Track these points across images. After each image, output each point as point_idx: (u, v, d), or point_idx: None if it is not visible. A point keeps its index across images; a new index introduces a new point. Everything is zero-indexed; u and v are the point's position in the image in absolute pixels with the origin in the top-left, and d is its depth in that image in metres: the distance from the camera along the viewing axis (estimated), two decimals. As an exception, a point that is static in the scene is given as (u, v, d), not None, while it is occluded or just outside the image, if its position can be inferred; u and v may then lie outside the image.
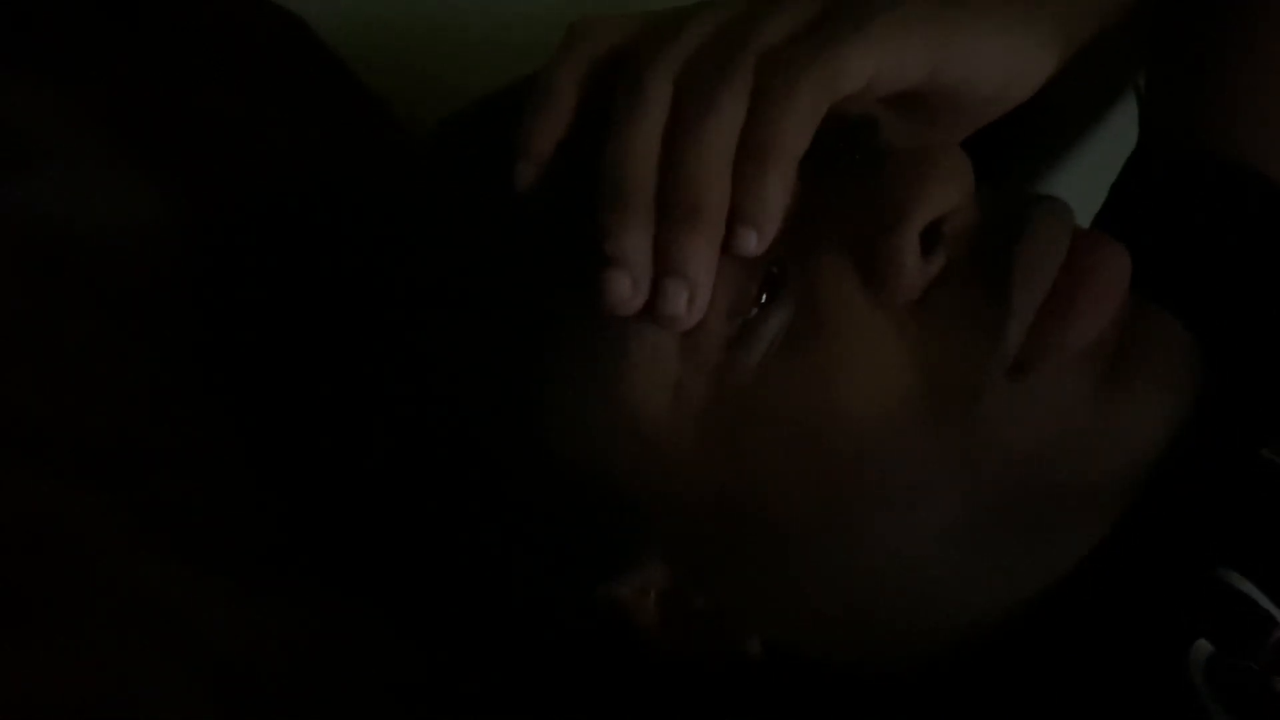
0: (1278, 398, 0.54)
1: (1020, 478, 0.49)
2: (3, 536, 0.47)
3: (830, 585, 0.51)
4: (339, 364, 0.53)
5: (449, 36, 0.74)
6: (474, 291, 0.50)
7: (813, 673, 0.53)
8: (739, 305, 0.48)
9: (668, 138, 0.46)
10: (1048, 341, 0.48)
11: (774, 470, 0.49)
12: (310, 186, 0.59)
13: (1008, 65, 0.50)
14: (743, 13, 0.47)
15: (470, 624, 0.55)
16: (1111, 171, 0.64)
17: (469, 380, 0.50)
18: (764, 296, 0.48)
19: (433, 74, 0.71)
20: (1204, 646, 0.49)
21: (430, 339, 0.51)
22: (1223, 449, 0.52)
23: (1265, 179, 0.60)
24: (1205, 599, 0.49)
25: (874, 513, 0.49)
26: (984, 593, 0.51)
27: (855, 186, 0.49)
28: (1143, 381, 0.50)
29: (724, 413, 0.48)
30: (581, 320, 0.48)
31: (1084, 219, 0.53)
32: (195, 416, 0.55)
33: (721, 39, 0.47)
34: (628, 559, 0.51)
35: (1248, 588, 0.49)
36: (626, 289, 0.46)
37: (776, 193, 0.46)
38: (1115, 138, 0.76)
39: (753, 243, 0.46)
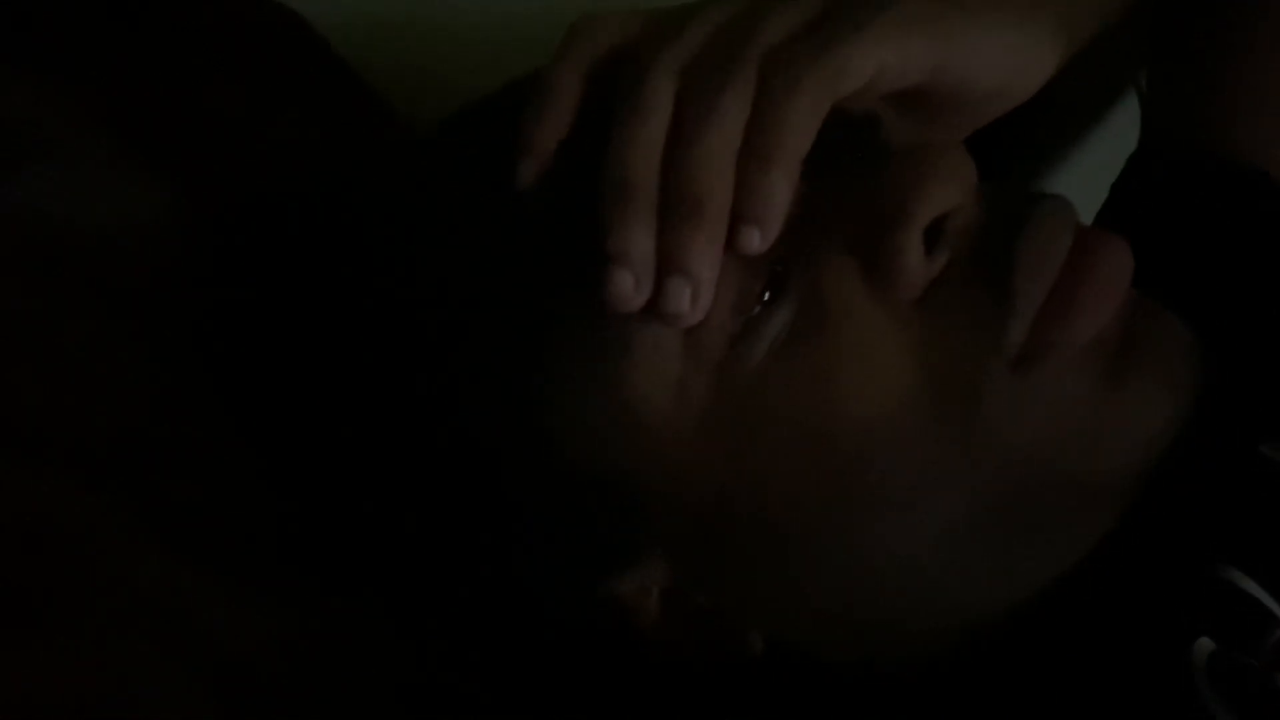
0: (1278, 395, 0.54)
1: (1021, 475, 0.49)
2: (2, 535, 0.47)
3: (831, 584, 0.51)
4: (340, 362, 0.53)
5: (449, 35, 0.74)
6: (476, 289, 0.50)
7: (814, 672, 0.53)
8: (742, 303, 0.48)
9: (670, 136, 0.46)
10: (1050, 338, 0.48)
11: (775, 468, 0.49)
12: (311, 185, 0.59)
13: (1009, 63, 0.50)
14: (745, 11, 0.47)
15: (471, 622, 0.55)
16: (1112, 170, 0.65)
17: (471, 378, 0.50)
18: (767, 295, 0.48)
19: (433, 72, 0.71)
20: (1205, 644, 0.49)
21: (432, 337, 0.51)
22: (1223, 447, 0.52)
23: (1267, 177, 0.60)
24: (1206, 597, 0.50)
25: (875, 511, 0.49)
26: (985, 591, 0.51)
27: (858, 185, 0.49)
28: (1144, 379, 0.50)
29: (726, 411, 0.48)
30: (584, 318, 0.48)
31: (1085, 218, 0.53)
32: (196, 415, 0.54)
33: (724, 37, 0.47)
34: (629, 557, 0.51)
35: (1249, 585, 0.49)
36: (629, 287, 0.46)
37: (780, 191, 0.46)
38: (1116, 137, 0.76)
39: (756, 241, 0.46)
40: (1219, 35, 0.62)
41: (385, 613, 0.55)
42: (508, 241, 0.50)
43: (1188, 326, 0.51)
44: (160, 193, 0.57)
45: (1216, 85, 0.62)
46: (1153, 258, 0.51)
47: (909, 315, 0.49)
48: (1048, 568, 0.51)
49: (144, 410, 0.53)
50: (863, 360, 0.48)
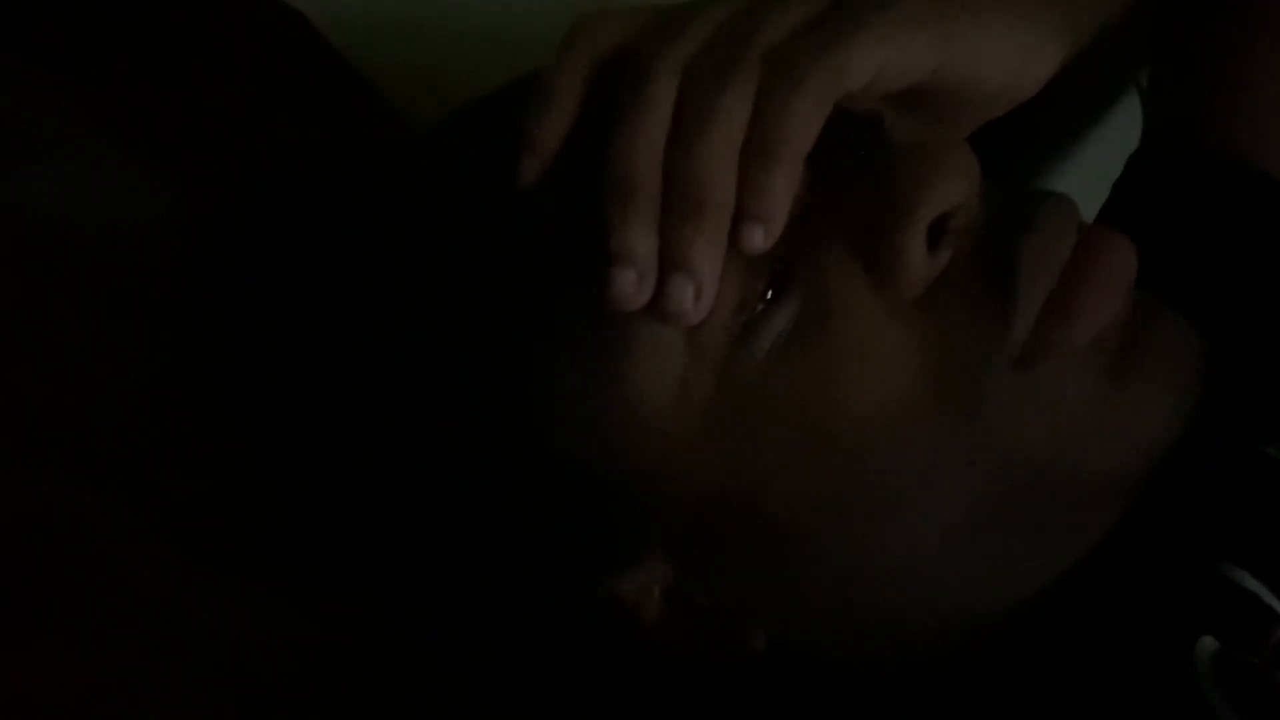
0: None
1: (1023, 474, 0.49)
2: (2, 534, 0.47)
3: (833, 583, 0.51)
4: (340, 360, 0.53)
5: (451, 33, 0.74)
6: (477, 288, 0.50)
7: (815, 671, 0.53)
8: (744, 302, 0.48)
9: (673, 134, 0.46)
10: (1053, 336, 0.48)
11: (778, 467, 0.49)
12: (312, 183, 0.59)
13: (1012, 62, 0.50)
14: (747, 8, 0.47)
15: (472, 622, 0.55)
16: (1114, 169, 0.64)
17: (473, 376, 0.50)
18: (769, 293, 0.48)
19: (435, 71, 0.71)
20: (1208, 643, 0.49)
21: (434, 335, 0.51)
22: (1226, 446, 0.52)
23: (1268, 176, 0.60)
24: (1209, 596, 0.50)
25: (877, 510, 0.49)
26: (986, 590, 0.51)
27: (861, 183, 0.49)
28: (1146, 378, 0.49)
29: (728, 409, 0.48)
30: (586, 317, 0.48)
31: (1087, 216, 0.53)
32: (196, 413, 0.54)
33: (726, 35, 0.47)
34: (630, 556, 0.51)
35: (1252, 584, 0.49)
36: (631, 285, 0.46)
37: (783, 189, 0.45)
38: (1118, 136, 0.76)
39: (759, 239, 0.46)
40: (1220, 35, 0.62)
41: (385, 612, 0.55)
42: (509, 240, 0.49)
43: (1190, 326, 0.51)
44: (161, 191, 0.57)
45: (1218, 84, 0.62)
46: (1154, 257, 0.51)
47: (911, 314, 0.49)
48: (1049, 567, 0.51)
49: (144, 408, 0.53)
50: (864, 359, 0.48)
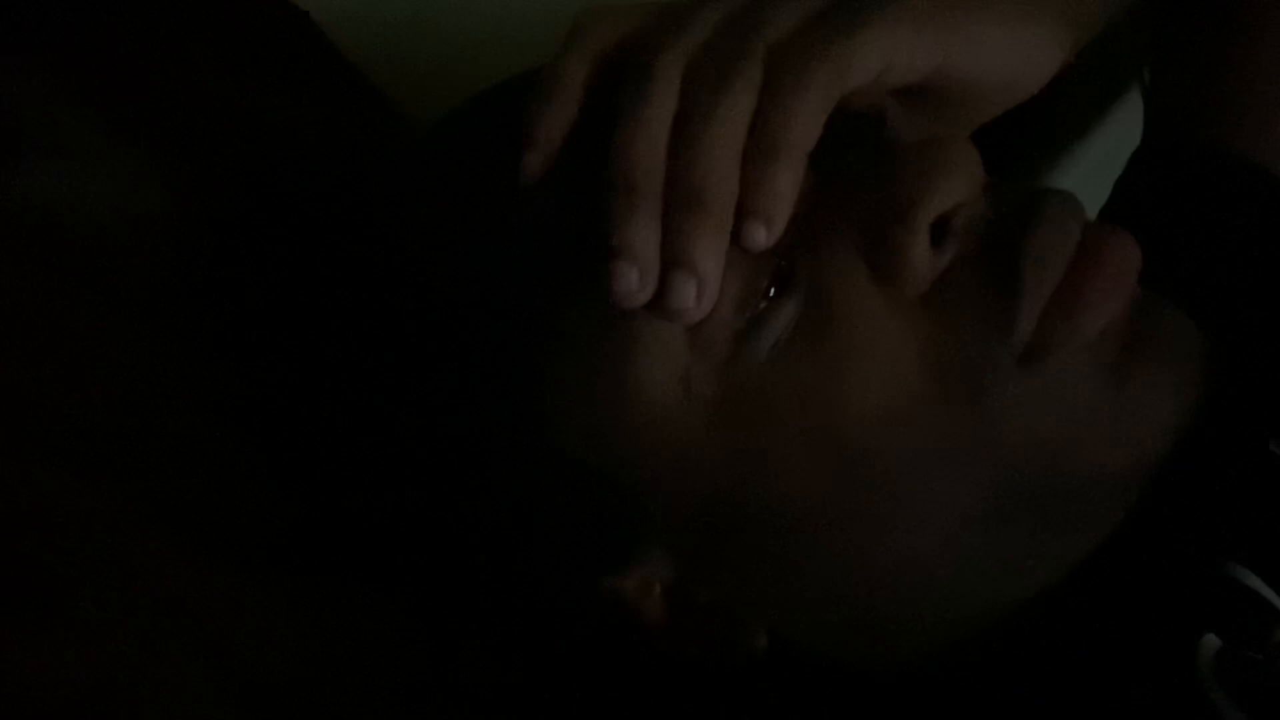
0: (1284, 392, 0.54)
1: (1028, 472, 0.49)
2: (6, 527, 0.47)
3: (836, 580, 0.51)
4: (343, 356, 0.53)
5: (452, 31, 0.74)
6: (480, 284, 0.50)
7: (817, 669, 0.53)
8: (747, 298, 0.48)
9: (676, 129, 0.45)
10: (1057, 333, 0.48)
11: (781, 465, 0.49)
12: (313, 179, 0.59)
13: (1016, 58, 0.50)
14: (751, 4, 0.47)
15: (474, 617, 0.55)
16: (1116, 167, 0.64)
17: (475, 373, 0.50)
18: (773, 289, 0.48)
19: (436, 69, 0.71)
20: (1212, 641, 0.48)
21: (435, 331, 0.50)
22: (1231, 443, 0.52)
23: (1270, 173, 0.60)
24: (1213, 594, 0.49)
25: (881, 508, 0.49)
26: (991, 587, 0.51)
27: (864, 180, 0.49)
28: (1150, 375, 0.49)
29: (732, 406, 0.48)
30: (588, 313, 0.48)
31: (1089, 214, 0.53)
32: (196, 407, 0.54)
33: (730, 30, 0.46)
34: (632, 552, 0.51)
35: (1256, 583, 0.49)
36: (634, 281, 0.45)
37: (786, 185, 0.45)
38: (1120, 133, 0.76)
39: (762, 236, 0.46)
40: (1222, 32, 0.62)
41: (387, 608, 0.55)
42: (512, 235, 0.49)
43: (1193, 323, 0.51)
44: (162, 186, 0.57)
45: (1220, 82, 0.62)
46: (1158, 254, 0.51)
47: (915, 311, 0.49)
48: (1053, 564, 0.51)
49: (143, 402, 0.53)
50: (868, 356, 0.48)
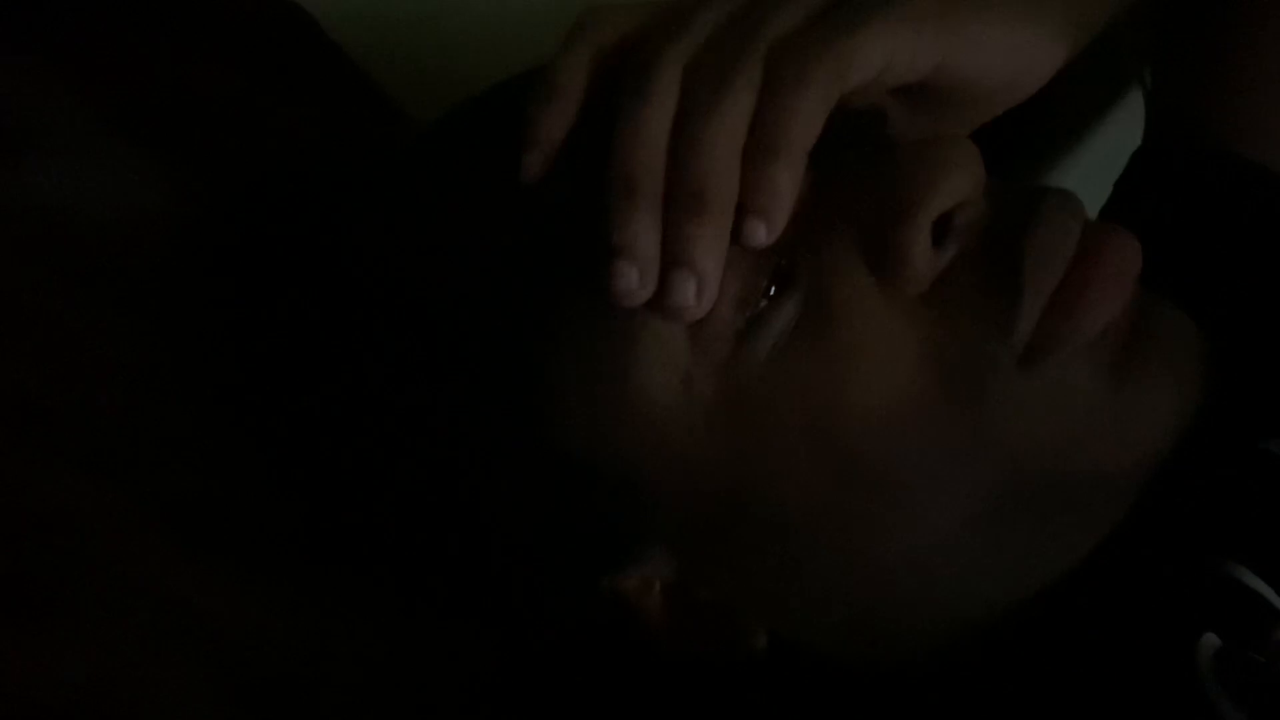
0: (1283, 392, 0.54)
1: (1028, 471, 0.49)
2: (4, 525, 0.47)
3: (836, 579, 0.51)
4: (341, 353, 0.53)
5: (453, 29, 0.74)
6: (480, 283, 0.50)
7: (817, 667, 0.53)
8: (748, 297, 0.48)
9: (676, 128, 0.45)
10: (1058, 331, 0.48)
11: (781, 463, 0.49)
12: (313, 176, 0.59)
13: (1017, 57, 0.50)
14: (752, 2, 0.47)
15: (475, 616, 0.55)
16: (1116, 167, 0.64)
17: (475, 371, 0.50)
18: (773, 289, 0.48)
19: (437, 67, 0.71)
20: (1211, 640, 0.48)
21: (436, 330, 0.50)
22: (1229, 443, 0.52)
23: (1271, 173, 0.60)
24: (1211, 593, 0.49)
25: (881, 507, 0.49)
26: (991, 586, 0.51)
27: (864, 179, 0.48)
28: (1151, 375, 0.49)
29: (732, 405, 0.48)
30: (589, 312, 0.48)
31: (1090, 213, 0.52)
32: (198, 405, 0.54)
33: (731, 29, 0.46)
34: (632, 551, 0.51)
35: (1254, 582, 0.49)
36: (634, 280, 0.45)
37: (786, 184, 0.45)
38: (1121, 132, 0.76)
39: (762, 234, 0.46)
40: (1223, 32, 0.62)
41: (387, 606, 0.55)
42: (511, 235, 0.49)
43: (1193, 323, 0.51)
44: (162, 184, 0.57)
45: (1221, 81, 0.62)
46: (1158, 254, 0.51)
47: (915, 310, 0.49)
48: (1053, 563, 0.51)
49: (144, 402, 0.53)
50: (870, 353, 0.48)
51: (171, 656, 0.49)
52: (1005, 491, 0.49)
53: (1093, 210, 0.62)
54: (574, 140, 0.47)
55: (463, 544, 0.53)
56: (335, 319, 0.53)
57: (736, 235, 0.46)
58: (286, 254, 0.56)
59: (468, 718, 0.56)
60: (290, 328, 0.55)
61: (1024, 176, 0.83)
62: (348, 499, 0.54)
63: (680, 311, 0.46)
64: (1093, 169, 0.79)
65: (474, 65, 0.58)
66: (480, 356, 0.50)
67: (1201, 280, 0.57)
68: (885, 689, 0.53)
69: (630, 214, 0.45)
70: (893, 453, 0.48)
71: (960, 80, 0.49)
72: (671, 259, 0.45)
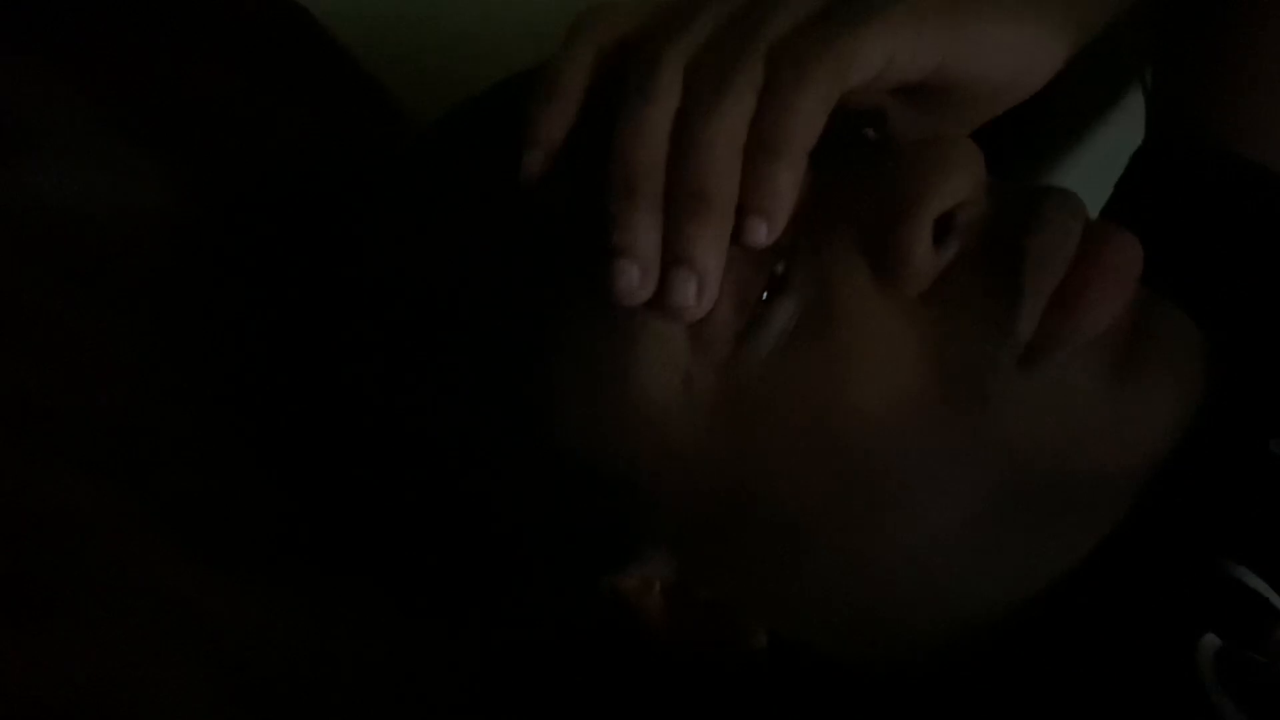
0: (1285, 392, 0.54)
1: (1029, 471, 0.49)
2: (7, 525, 0.47)
3: (837, 579, 0.50)
4: (343, 354, 0.53)
5: (453, 28, 0.74)
6: (480, 282, 0.50)
7: (818, 667, 0.53)
8: (748, 297, 0.47)
9: (677, 127, 0.45)
10: (1059, 331, 0.48)
11: (782, 463, 0.49)
12: (314, 176, 0.59)
13: (1016, 57, 0.50)
14: (753, 2, 0.47)
15: (474, 616, 0.55)
16: (1117, 167, 0.64)
17: (475, 371, 0.50)
18: (773, 288, 0.48)
19: (437, 66, 0.71)
20: (1212, 640, 0.48)
21: (436, 330, 0.50)
22: (1231, 443, 0.52)
23: (1271, 173, 0.60)
24: (1213, 593, 0.49)
25: (882, 507, 0.49)
26: (992, 586, 0.51)
27: (865, 178, 0.48)
28: (1152, 375, 0.49)
29: (733, 405, 0.48)
30: (589, 311, 0.47)
31: (1090, 213, 0.52)
32: (197, 405, 0.54)
33: (731, 28, 0.46)
34: (632, 551, 0.51)
35: (1256, 582, 0.49)
36: (635, 279, 0.45)
37: (787, 183, 0.45)
38: (1122, 132, 0.76)
39: (763, 234, 0.46)
40: (1224, 31, 0.62)
41: (387, 606, 0.55)
42: (512, 233, 0.49)
43: (1194, 323, 0.51)
44: (163, 184, 0.57)
45: (1222, 81, 0.62)
46: (1159, 254, 0.51)
47: (916, 309, 0.49)
48: (1054, 563, 0.51)
49: (144, 402, 0.53)
50: (870, 353, 0.48)
51: (171, 656, 0.49)
52: (1006, 491, 0.49)
53: (1094, 209, 0.62)
54: (574, 140, 0.47)
55: (463, 544, 0.53)
56: (335, 319, 0.53)
57: (737, 235, 0.46)
58: (287, 254, 0.56)
59: (468, 718, 0.56)
60: (290, 328, 0.55)
61: (1024, 176, 0.83)
62: (348, 499, 0.54)
63: (681, 311, 0.46)
64: (1093, 169, 0.79)
65: (474, 65, 0.58)
66: (480, 356, 0.50)
67: (1202, 280, 0.57)
68: (885, 689, 0.53)
69: (631, 213, 0.45)
70: (893, 452, 0.48)
71: (961, 80, 0.49)
72: (672, 258, 0.45)
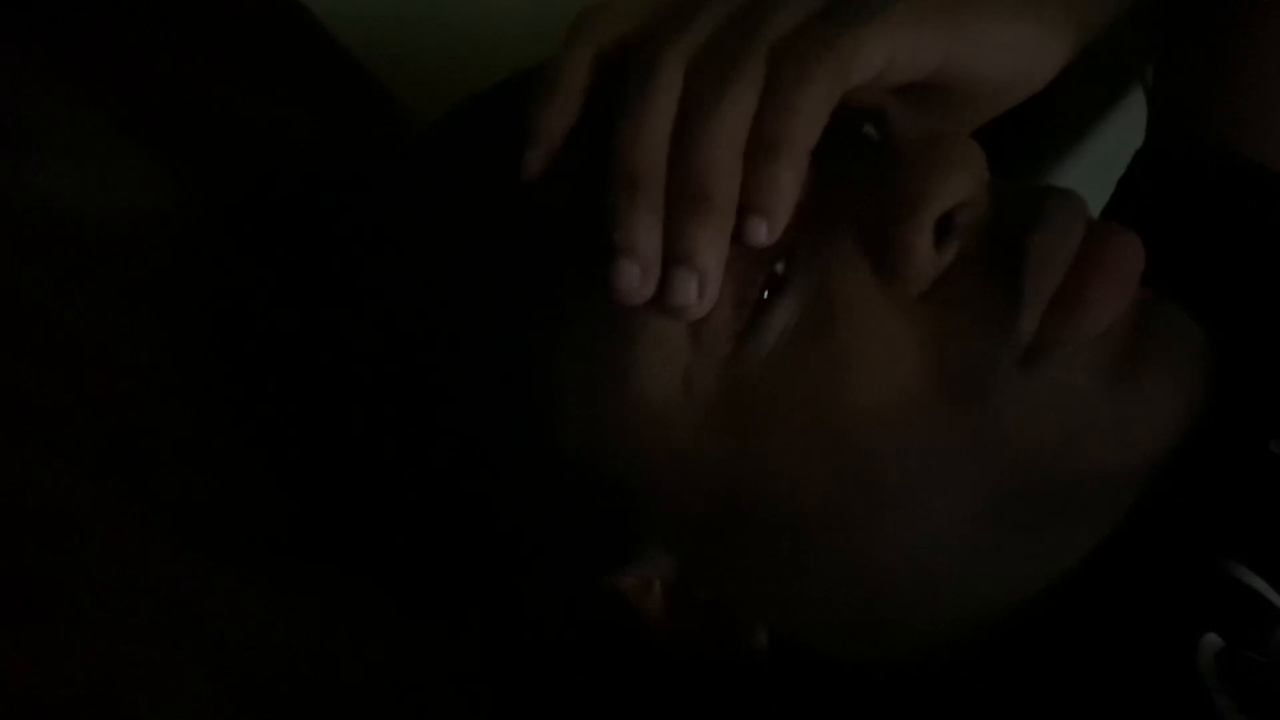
0: (1286, 392, 0.54)
1: (1030, 471, 0.49)
2: (5, 524, 0.47)
3: (837, 578, 0.50)
4: (344, 353, 0.53)
5: (453, 27, 0.74)
6: (481, 281, 0.50)
7: (818, 667, 0.53)
8: (748, 295, 0.47)
9: (678, 126, 0.45)
10: (1060, 330, 0.48)
11: (783, 462, 0.49)
12: (315, 175, 0.59)
13: (1018, 57, 0.50)
14: (753, 0, 0.47)
15: (474, 615, 0.55)
16: (1118, 166, 0.64)
17: (476, 370, 0.50)
18: (774, 287, 0.48)
19: (437, 65, 0.71)
20: (1212, 640, 0.48)
21: (437, 329, 0.50)
22: (1233, 443, 0.52)
23: (1272, 173, 0.60)
24: (1213, 593, 0.49)
25: (882, 506, 0.49)
26: (992, 586, 0.51)
27: (866, 177, 0.48)
28: (1153, 374, 0.49)
29: (733, 404, 0.48)
30: (590, 310, 0.47)
31: (1092, 213, 0.52)
32: (199, 405, 0.54)
33: (733, 27, 0.46)
34: (632, 550, 0.51)
35: (1256, 582, 0.49)
36: (635, 278, 0.45)
37: (788, 182, 0.45)
38: (1123, 131, 0.76)
39: (763, 233, 0.46)
40: (1225, 31, 0.62)
41: (387, 605, 0.55)
42: (512, 232, 0.49)
43: (1196, 322, 0.51)
44: (163, 183, 0.57)
45: (1223, 81, 0.62)
46: (1160, 254, 0.51)
47: (916, 309, 0.48)
48: (1054, 563, 0.51)
49: (144, 401, 0.53)
50: (869, 354, 0.48)
51: (171, 656, 0.49)
52: (1006, 491, 0.49)
53: (1095, 209, 0.62)
54: (575, 139, 0.47)
55: (463, 543, 0.53)
56: (335, 318, 0.53)
57: (738, 234, 0.46)
58: (287, 254, 0.56)
59: (468, 717, 0.56)
60: (290, 327, 0.55)
61: (1025, 176, 0.83)
62: (348, 499, 0.54)
63: (681, 310, 0.46)
64: (1094, 168, 0.79)
65: (475, 64, 0.58)
66: (480, 356, 0.50)
67: (1203, 280, 0.57)
68: (885, 689, 0.53)
69: (632, 212, 0.45)
70: (893, 452, 0.48)
71: (962, 79, 0.49)
72: (673, 257, 0.45)
